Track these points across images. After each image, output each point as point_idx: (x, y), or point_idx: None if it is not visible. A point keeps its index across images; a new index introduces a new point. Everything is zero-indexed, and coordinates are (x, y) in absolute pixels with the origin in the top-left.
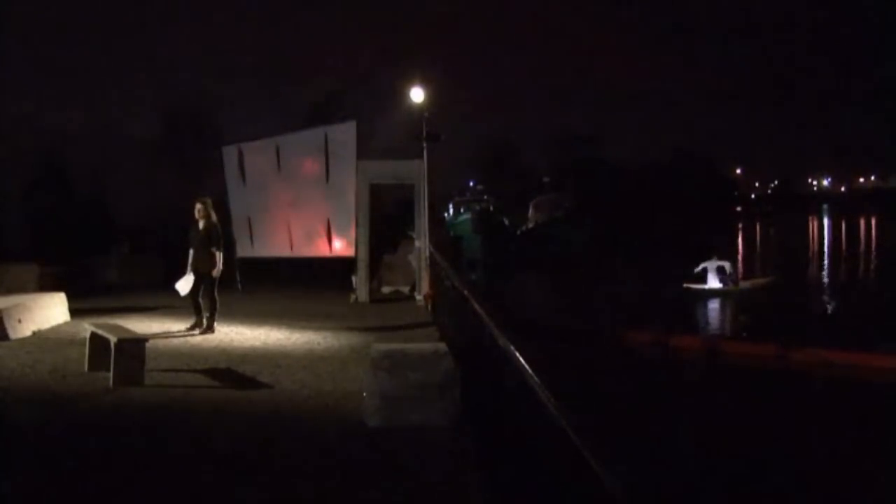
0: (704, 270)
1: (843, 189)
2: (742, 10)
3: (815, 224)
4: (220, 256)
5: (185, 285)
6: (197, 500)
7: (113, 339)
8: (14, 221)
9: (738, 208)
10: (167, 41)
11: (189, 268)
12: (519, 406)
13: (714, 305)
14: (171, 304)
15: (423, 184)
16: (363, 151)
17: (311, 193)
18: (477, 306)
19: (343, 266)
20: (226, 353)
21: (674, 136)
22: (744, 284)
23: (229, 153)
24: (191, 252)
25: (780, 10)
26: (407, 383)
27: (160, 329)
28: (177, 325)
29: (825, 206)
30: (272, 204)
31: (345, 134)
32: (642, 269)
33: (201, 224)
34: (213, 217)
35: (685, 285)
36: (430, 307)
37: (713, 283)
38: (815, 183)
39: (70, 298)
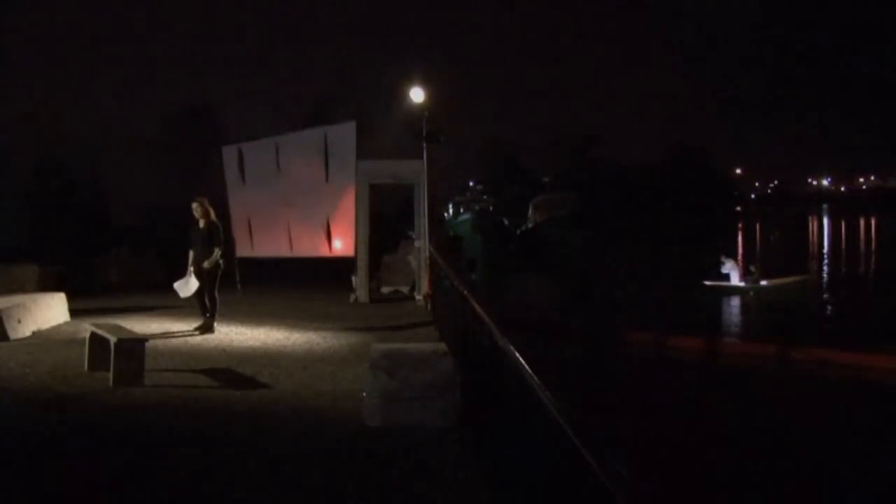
0: (727, 268)
1: (843, 189)
2: (742, 10)
3: (815, 224)
4: (218, 252)
5: (185, 287)
6: (196, 499)
7: (113, 339)
8: (14, 222)
9: (738, 208)
10: (167, 42)
11: (190, 267)
12: (518, 406)
13: (734, 304)
14: (170, 304)
15: (423, 184)
16: (363, 151)
17: (311, 193)
18: (476, 306)
19: (343, 266)
20: (226, 353)
21: (674, 135)
22: (768, 282)
23: (229, 153)
24: (191, 252)
25: (781, 10)
26: (407, 383)
27: (160, 329)
28: (177, 325)
29: (825, 206)
30: (272, 204)
31: (345, 134)
32: (646, 268)
33: (201, 223)
34: (213, 215)
35: (705, 282)
36: (429, 307)
37: (734, 280)
38: (815, 183)
39: (70, 298)
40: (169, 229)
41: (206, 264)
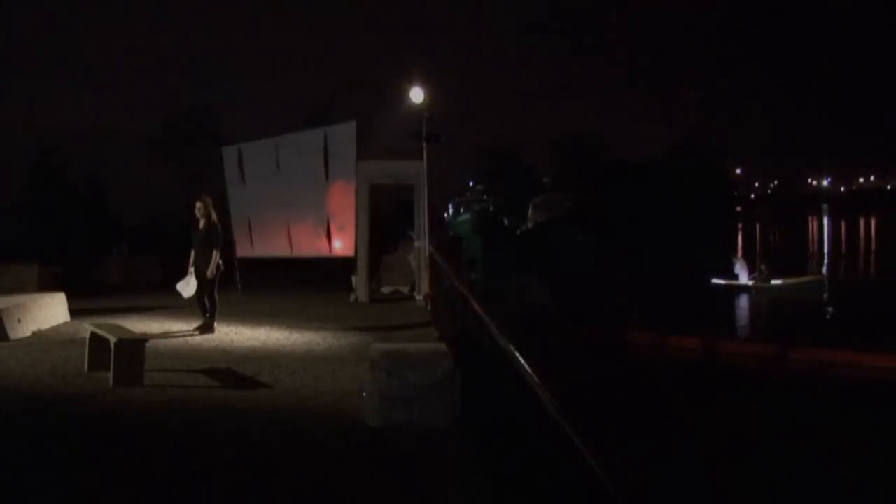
0: (737, 268)
1: (842, 189)
2: (742, 9)
3: (815, 224)
4: (216, 256)
5: (187, 287)
6: (196, 499)
7: (113, 339)
8: (14, 221)
9: (739, 208)
10: (168, 42)
11: (190, 268)
12: (518, 406)
13: (742, 302)
14: (170, 304)
15: (423, 184)
16: (363, 151)
17: (311, 193)
18: (476, 306)
19: (343, 266)
20: (226, 353)
21: (674, 135)
22: (782, 282)
23: (229, 153)
24: (192, 252)
25: (780, 10)
26: (407, 383)
27: (160, 329)
28: (177, 325)
29: (825, 206)
30: (272, 204)
31: (344, 134)
32: (649, 267)
33: (201, 223)
34: (213, 216)
35: (713, 280)
36: (429, 307)
37: (743, 279)
38: (815, 183)
39: (70, 298)
40: (169, 229)
41: (209, 274)
